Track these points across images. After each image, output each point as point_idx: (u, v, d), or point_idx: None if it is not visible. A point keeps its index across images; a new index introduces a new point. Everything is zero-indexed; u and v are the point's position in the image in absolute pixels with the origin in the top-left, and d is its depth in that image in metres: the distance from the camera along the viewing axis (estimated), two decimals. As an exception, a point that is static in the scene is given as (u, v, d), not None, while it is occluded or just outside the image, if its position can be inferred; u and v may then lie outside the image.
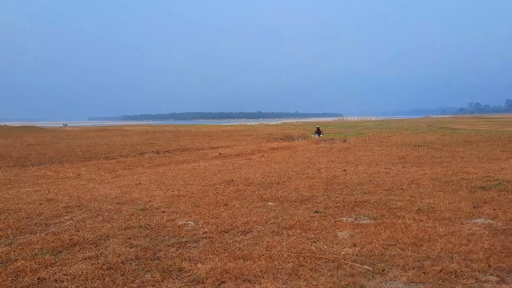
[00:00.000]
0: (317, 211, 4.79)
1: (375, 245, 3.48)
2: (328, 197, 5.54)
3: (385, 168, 8.01)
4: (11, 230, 4.20)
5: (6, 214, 4.92)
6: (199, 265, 3.13)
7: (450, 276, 2.82)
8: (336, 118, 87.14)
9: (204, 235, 3.93)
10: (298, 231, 3.98)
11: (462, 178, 6.62)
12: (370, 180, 6.66)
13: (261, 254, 3.32)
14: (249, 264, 3.11)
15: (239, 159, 10.43)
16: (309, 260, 3.17)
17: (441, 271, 2.89)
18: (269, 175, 7.52)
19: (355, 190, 5.90)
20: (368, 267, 3.01)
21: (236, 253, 3.37)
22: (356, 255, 3.25)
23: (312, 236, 3.82)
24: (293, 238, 3.75)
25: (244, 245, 3.58)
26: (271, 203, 5.27)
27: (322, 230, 4.00)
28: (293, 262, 3.14)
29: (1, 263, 3.24)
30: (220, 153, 11.46)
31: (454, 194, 5.47)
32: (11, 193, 6.28)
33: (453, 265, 2.98)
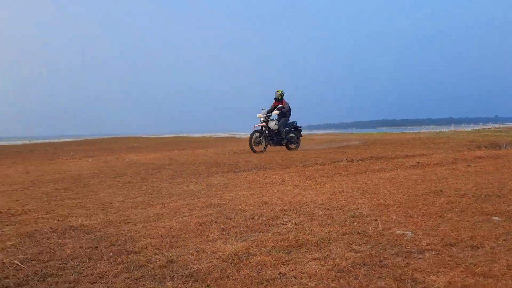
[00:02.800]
0: (561, 230, 4.08)
1: None
2: None
3: None
4: (242, 228, 4.77)
5: (234, 213, 5.61)
6: (432, 277, 3.00)
7: None
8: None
9: (428, 246, 3.75)
10: (542, 252, 3.46)
11: None
12: None
13: (503, 273, 3.00)
14: (492, 282, 2.84)
15: (441, 168, 9.68)
16: None
17: None
18: (483, 186, 6.77)
19: None
20: None
21: (472, 268, 3.12)
22: None
23: None
24: (538, 259, 3.28)
25: (479, 261, 3.29)
26: (496, 218, 4.72)
27: None
28: (550, 285, 2.74)
29: (244, 256, 3.70)
30: (418, 162, 10.84)
31: None
32: (231, 195, 7.12)
33: None
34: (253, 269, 3.35)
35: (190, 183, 8.87)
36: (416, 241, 3.95)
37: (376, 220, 4.87)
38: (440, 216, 4.91)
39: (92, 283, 3.23)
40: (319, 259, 3.52)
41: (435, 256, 3.47)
